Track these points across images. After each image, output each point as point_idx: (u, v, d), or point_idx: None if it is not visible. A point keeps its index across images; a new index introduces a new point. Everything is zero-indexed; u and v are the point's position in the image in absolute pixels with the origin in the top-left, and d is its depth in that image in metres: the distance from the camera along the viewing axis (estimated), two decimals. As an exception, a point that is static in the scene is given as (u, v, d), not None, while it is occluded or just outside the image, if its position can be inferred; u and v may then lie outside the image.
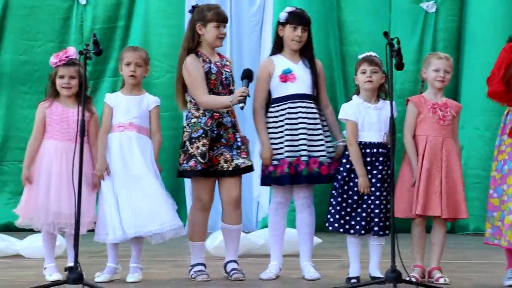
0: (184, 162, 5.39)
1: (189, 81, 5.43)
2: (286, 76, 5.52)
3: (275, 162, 5.46)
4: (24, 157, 5.53)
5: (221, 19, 5.44)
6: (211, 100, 5.37)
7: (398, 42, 5.03)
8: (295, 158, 5.43)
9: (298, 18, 5.52)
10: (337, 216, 5.32)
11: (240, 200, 5.53)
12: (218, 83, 5.42)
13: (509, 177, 5.16)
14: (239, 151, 5.42)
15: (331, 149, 5.54)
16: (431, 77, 5.44)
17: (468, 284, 5.37)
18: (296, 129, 5.45)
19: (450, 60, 5.50)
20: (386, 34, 5.09)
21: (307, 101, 5.50)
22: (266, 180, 5.55)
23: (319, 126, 5.50)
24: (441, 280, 5.30)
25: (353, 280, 5.30)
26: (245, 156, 5.43)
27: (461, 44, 9.36)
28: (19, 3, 9.21)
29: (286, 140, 5.46)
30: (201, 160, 5.32)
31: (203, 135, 5.36)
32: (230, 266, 5.47)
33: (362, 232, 5.29)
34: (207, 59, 5.44)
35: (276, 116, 5.52)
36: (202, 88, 5.37)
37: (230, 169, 5.38)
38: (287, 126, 5.46)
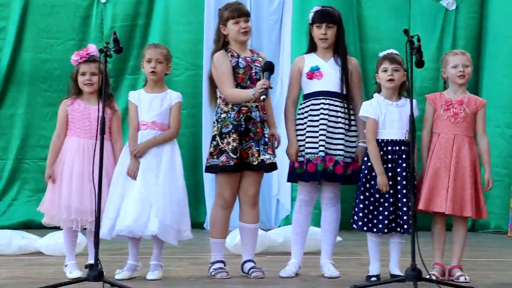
0: (215, 157, 5.41)
1: (216, 76, 5.48)
2: (312, 73, 5.54)
3: (300, 159, 5.48)
4: (48, 155, 5.52)
5: (238, 14, 5.47)
6: (235, 93, 5.40)
7: (418, 40, 5.01)
8: (316, 155, 5.44)
9: (321, 16, 5.55)
10: (360, 215, 5.31)
11: (257, 199, 5.53)
12: (246, 77, 5.45)
13: None
14: (265, 146, 5.43)
15: (352, 149, 5.53)
16: (451, 74, 5.42)
17: (489, 282, 5.34)
18: (316, 126, 5.46)
19: (466, 54, 5.49)
20: (406, 31, 5.08)
21: (332, 98, 5.50)
22: (292, 176, 5.58)
23: (340, 125, 5.49)
24: (462, 279, 5.28)
25: (373, 278, 5.29)
26: (271, 153, 5.45)
27: (482, 42, 9.32)
28: (40, 1, 9.26)
29: (307, 137, 5.47)
30: (233, 156, 5.34)
31: (233, 130, 5.38)
32: (248, 265, 5.47)
33: (385, 231, 5.26)
34: (236, 54, 5.48)
35: (302, 113, 5.55)
36: (228, 82, 5.40)
37: (255, 163, 5.39)
38: (309, 123, 5.48)
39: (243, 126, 5.40)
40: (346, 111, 5.53)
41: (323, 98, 5.49)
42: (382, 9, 9.36)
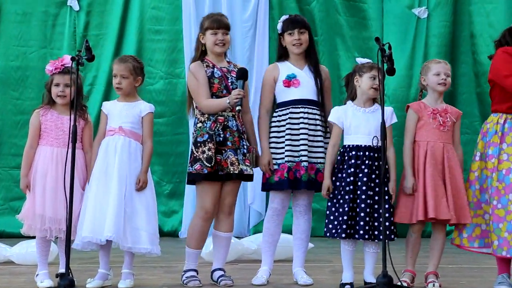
0: (189, 166, 5.42)
1: (191, 87, 5.48)
2: (289, 81, 5.55)
3: (275, 167, 5.48)
4: (22, 166, 5.47)
5: (217, 26, 5.46)
6: (210, 103, 5.40)
7: (390, 48, 5.04)
8: (295, 164, 5.45)
9: (292, 23, 5.57)
10: (326, 221, 5.33)
11: (233, 208, 5.53)
12: (221, 87, 5.44)
13: None
14: (244, 158, 5.43)
15: None
16: (433, 81, 5.43)
17: (459, 289, 5.40)
18: (297, 134, 5.47)
19: (448, 65, 5.53)
20: (377, 39, 5.09)
21: (310, 106, 5.51)
22: (266, 186, 5.56)
23: (319, 133, 5.50)
24: (430, 286, 5.30)
25: (347, 286, 5.28)
26: (248, 165, 5.44)
27: (454, 50, 9.41)
28: (12, 9, 9.22)
29: (287, 145, 5.47)
30: (207, 164, 5.33)
31: (209, 140, 5.37)
32: (217, 273, 5.46)
33: (343, 235, 5.22)
34: (211, 65, 5.48)
35: (279, 121, 5.54)
36: (203, 93, 5.40)
37: (236, 172, 5.38)
38: (288, 131, 5.48)
39: (221, 135, 5.40)
40: (323, 119, 5.55)
41: (301, 107, 5.50)
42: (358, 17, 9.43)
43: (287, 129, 5.48)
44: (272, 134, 5.54)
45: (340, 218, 5.25)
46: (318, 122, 5.51)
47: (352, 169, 5.28)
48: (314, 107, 5.51)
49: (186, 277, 5.44)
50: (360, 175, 5.27)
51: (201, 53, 5.53)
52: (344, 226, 5.22)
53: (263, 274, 5.53)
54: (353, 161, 5.30)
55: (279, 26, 5.63)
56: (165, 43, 9.35)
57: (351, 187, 5.26)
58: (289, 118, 5.50)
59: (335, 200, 5.32)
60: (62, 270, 5.23)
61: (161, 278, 5.85)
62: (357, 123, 5.35)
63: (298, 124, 5.47)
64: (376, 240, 5.26)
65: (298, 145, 5.45)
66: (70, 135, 5.05)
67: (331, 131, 5.51)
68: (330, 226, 5.30)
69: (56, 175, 5.33)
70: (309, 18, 9.25)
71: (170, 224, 9.21)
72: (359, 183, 5.26)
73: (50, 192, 5.34)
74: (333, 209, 5.32)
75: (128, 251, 5.36)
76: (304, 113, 5.49)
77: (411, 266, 5.41)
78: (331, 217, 5.31)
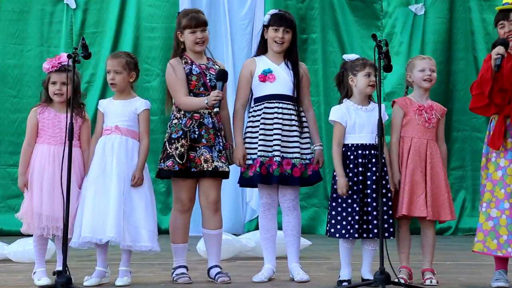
0: (161, 162, 5.41)
1: (169, 83, 5.49)
2: (265, 76, 5.54)
3: (249, 162, 5.48)
4: (19, 164, 5.47)
5: (195, 24, 5.45)
6: (188, 101, 5.40)
7: (386, 44, 5.03)
8: (268, 158, 5.44)
9: (279, 20, 5.54)
10: (333, 222, 5.29)
11: (218, 204, 5.51)
12: (199, 84, 5.44)
13: (498, 184, 5.14)
14: (219, 154, 5.42)
15: (307, 151, 5.53)
16: (418, 78, 5.44)
17: (457, 285, 5.38)
18: (270, 129, 5.46)
19: (433, 60, 5.54)
20: (374, 36, 5.09)
21: (285, 102, 5.50)
22: (241, 181, 5.57)
23: (294, 128, 5.49)
24: (428, 282, 5.30)
25: (344, 283, 5.28)
26: (224, 161, 5.44)
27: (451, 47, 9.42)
28: (9, 7, 9.22)
29: (260, 140, 5.47)
30: (179, 161, 5.34)
31: (182, 136, 5.38)
32: (214, 271, 5.46)
33: (356, 235, 5.23)
34: (190, 61, 5.47)
35: (254, 116, 5.54)
36: (182, 90, 5.40)
37: (210, 169, 5.38)
38: (262, 126, 5.48)
39: (196, 132, 5.39)
40: (301, 115, 5.53)
41: (276, 102, 5.50)
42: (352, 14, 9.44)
43: (261, 123, 5.48)
44: (248, 129, 5.54)
45: (350, 218, 5.22)
46: (293, 117, 5.50)
47: (360, 168, 5.26)
48: (289, 103, 5.50)
49: (176, 274, 5.47)
50: (369, 173, 5.25)
51: (181, 49, 5.52)
52: (357, 226, 5.20)
53: (264, 271, 5.52)
54: (360, 160, 5.28)
55: (266, 18, 5.60)
56: (162, 41, 9.35)
57: (361, 186, 5.24)
58: (263, 113, 5.50)
59: (340, 200, 5.29)
60: (59, 267, 5.22)
61: (159, 275, 5.85)
62: (361, 122, 5.33)
63: (272, 119, 5.47)
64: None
65: (271, 140, 5.45)
66: (67, 133, 5.05)
67: (312, 128, 5.51)
68: (339, 226, 5.26)
69: (53, 173, 5.34)
70: (304, 15, 9.29)
71: (167, 221, 9.17)
72: (368, 182, 5.24)
73: (47, 190, 5.35)
74: (339, 209, 5.27)
75: (125, 249, 5.36)
76: (279, 108, 5.48)
77: (405, 262, 5.42)
78: (338, 217, 5.27)
